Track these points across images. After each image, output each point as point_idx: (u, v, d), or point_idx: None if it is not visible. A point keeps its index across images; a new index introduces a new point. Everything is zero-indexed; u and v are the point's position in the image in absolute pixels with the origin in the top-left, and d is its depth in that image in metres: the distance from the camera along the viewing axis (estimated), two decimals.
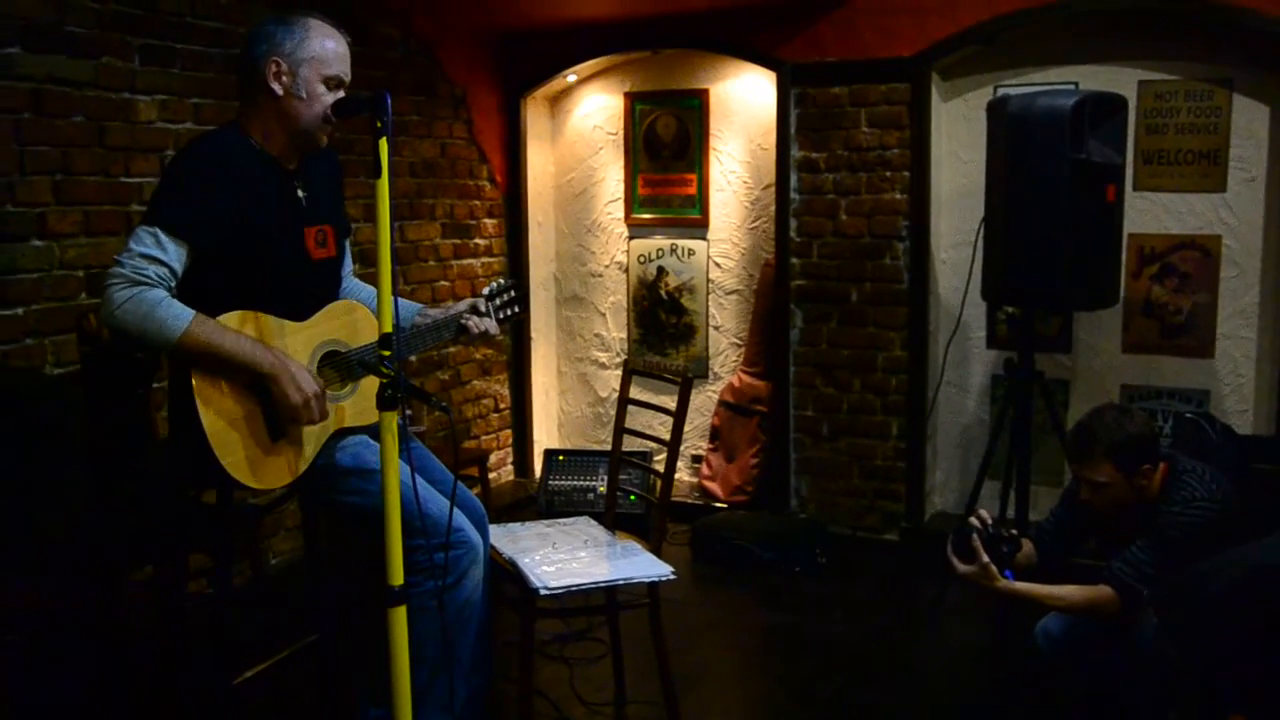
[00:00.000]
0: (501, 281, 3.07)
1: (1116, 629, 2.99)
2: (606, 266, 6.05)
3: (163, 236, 2.51)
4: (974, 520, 3.09)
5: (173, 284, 2.52)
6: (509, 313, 3.06)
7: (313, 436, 2.68)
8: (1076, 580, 3.04)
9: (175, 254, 2.52)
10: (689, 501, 5.58)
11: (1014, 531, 3.14)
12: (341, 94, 2.71)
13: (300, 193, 2.76)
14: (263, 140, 2.70)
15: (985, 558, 3.00)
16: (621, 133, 5.90)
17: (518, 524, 3.50)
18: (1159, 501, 2.95)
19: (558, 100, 6.07)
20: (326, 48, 2.68)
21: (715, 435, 5.72)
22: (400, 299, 2.74)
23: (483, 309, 2.97)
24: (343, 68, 2.71)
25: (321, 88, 2.67)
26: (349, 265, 3.05)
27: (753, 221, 5.64)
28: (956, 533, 3.10)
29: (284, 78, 2.65)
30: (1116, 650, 3.05)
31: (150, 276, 2.47)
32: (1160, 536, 2.89)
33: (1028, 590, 3.03)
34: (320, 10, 2.76)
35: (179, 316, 2.47)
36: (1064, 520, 3.24)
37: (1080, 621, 3.12)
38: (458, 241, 5.59)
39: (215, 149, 2.65)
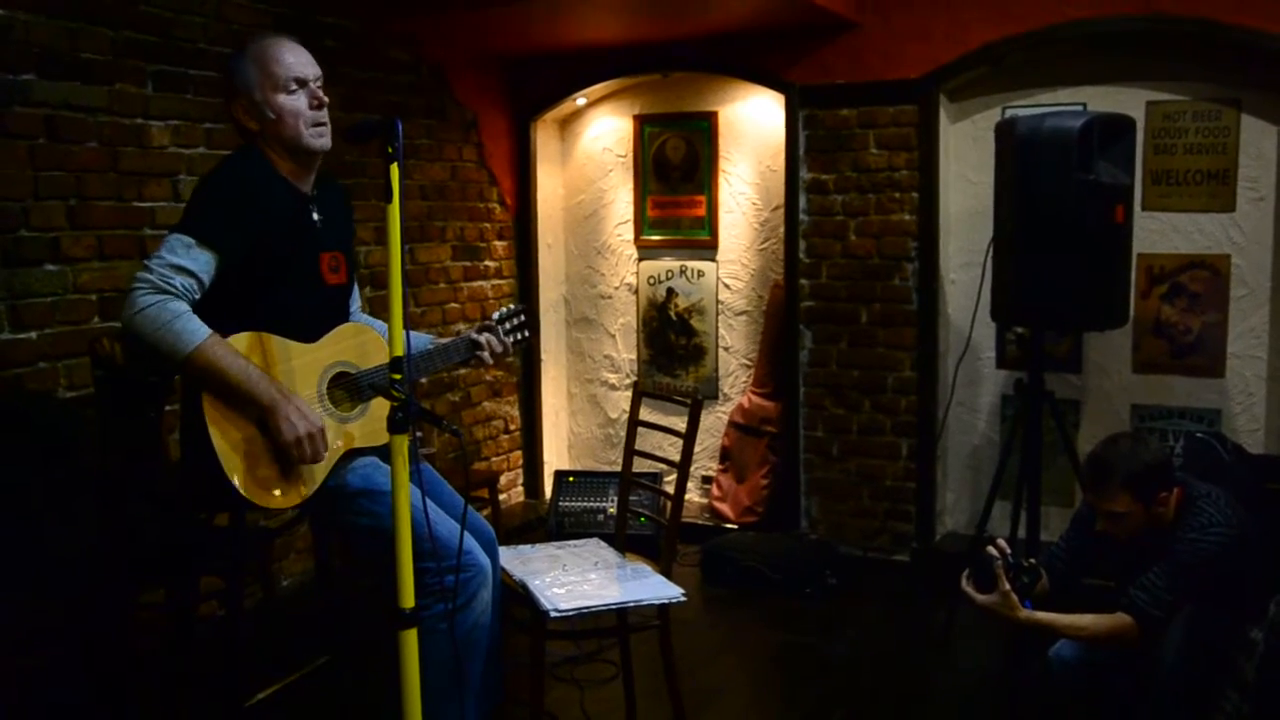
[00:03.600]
0: (511, 307, 3.10)
1: (1131, 654, 2.98)
2: (616, 288, 6.07)
3: (195, 246, 2.53)
4: (992, 550, 3.07)
5: (197, 296, 2.53)
6: (518, 337, 3.07)
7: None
8: (1090, 604, 3.03)
9: (205, 264, 2.54)
10: (699, 523, 5.57)
11: (1033, 561, 3.12)
12: (314, 89, 2.71)
13: (316, 216, 2.79)
14: (272, 162, 2.73)
15: (1007, 585, 2.98)
16: (631, 155, 5.93)
17: (528, 546, 3.50)
18: (1174, 527, 2.94)
19: (567, 123, 6.10)
20: (271, 60, 2.68)
21: (725, 456, 5.72)
22: (412, 332, 2.75)
23: (495, 331, 3.00)
24: (298, 71, 2.70)
25: (283, 96, 2.67)
26: (356, 301, 3.06)
27: (762, 243, 5.65)
28: (975, 562, 3.07)
29: (252, 111, 2.69)
30: (1130, 675, 3.04)
31: (176, 286, 2.49)
32: (1178, 563, 2.87)
33: (1049, 620, 3.00)
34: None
35: (194, 333, 2.49)
36: (1075, 546, 3.22)
37: (1094, 647, 3.10)
38: (468, 264, 5.61)
39: (249, 169, 2.68)
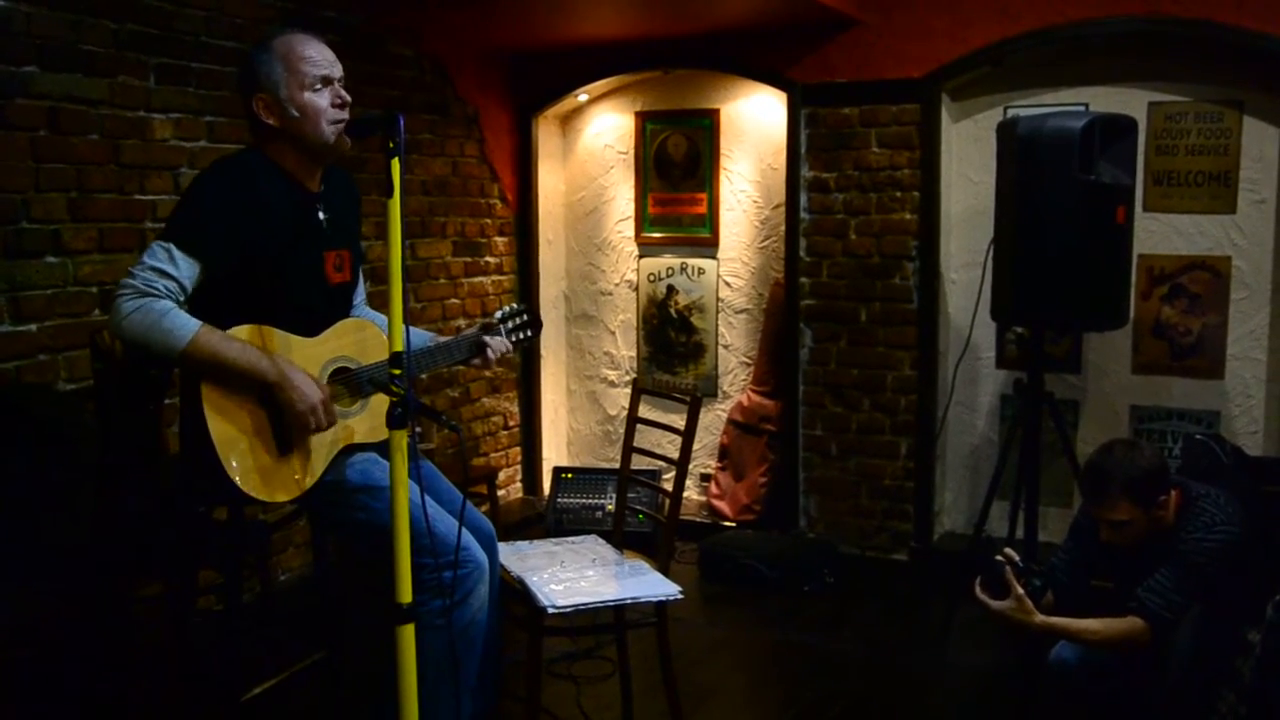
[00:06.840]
0: (513, 306, 3.09)
1: (1132, 656, 2.97)
2: (616, 285, 6.07)
3: (176, 253, 2.52)
4: (1000, 558, 3.06)
5: (181, 299, 2.53)
6: (520, 336, 3.07)
7: (322, 451, 2.69)
8: (1093, 606, 3.02)
9: (187, 270, 2.53)
10: (697, 520, 5.57)
11: (1039, 566, 3.12)
12: (338, 89, 2.69)
13: (322, 215, 2.77)
14: (281, 161, 2.71)
15: (1021, 590, 2.97)
16: (632, 152, 5.93)
17: (525, 542, 3.50)
18: (1176, 529, 2.93)
19: (569, 119, 6.10)
20: (298, 57, 2.65)
21: (724, 454, 5.72)
22: (413, 329, 2.74)
23: (496, 329, 2.99)
24: (326, 69, 2.68)
25: (309, 95, 2.65)
26: (361, 294, 3.06)
27: (762, 241, 5.65)
28: (986, 569, 3.06)
29: (275, 108, 2.65)
30: (1130, 677, 3.03)
31: (159, 289, 2.49)
32: (1185, 564, 2.86)
33: (1063, 625, 2.98)
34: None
35: (185, 326, 2.49)
36: (1075, 555, 3.20)
37: (1100, 650, 3.09)
38: (469, 259, 5.61)
39: (240, 172, 2.65)
